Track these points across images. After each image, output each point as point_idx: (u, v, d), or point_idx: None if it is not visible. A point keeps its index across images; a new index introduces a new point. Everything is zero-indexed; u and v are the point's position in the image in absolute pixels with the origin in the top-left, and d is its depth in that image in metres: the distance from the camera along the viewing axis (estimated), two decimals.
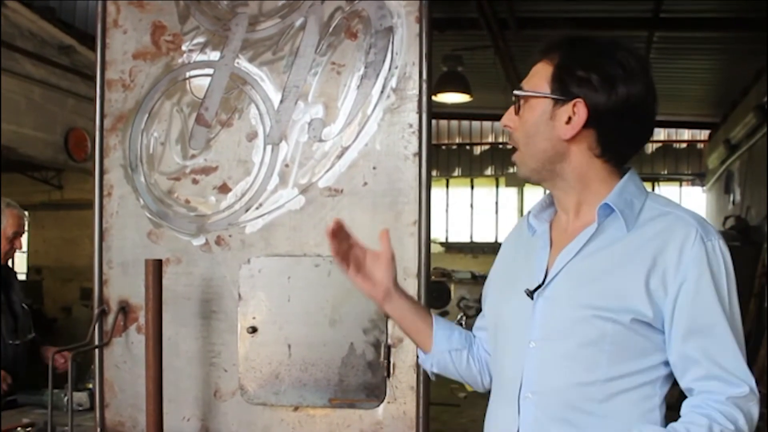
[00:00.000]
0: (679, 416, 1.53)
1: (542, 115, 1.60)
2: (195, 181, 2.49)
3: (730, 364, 1.50)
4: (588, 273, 1.57)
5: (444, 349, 1.83)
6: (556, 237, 1.67)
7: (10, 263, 3.98)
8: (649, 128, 1.65)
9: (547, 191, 1.73)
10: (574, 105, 1.56)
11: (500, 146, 13.55)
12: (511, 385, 1.62)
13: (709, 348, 1.50)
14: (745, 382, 1.49)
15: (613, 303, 1.52)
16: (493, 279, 1.84)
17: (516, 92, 1.65)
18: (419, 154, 2.34)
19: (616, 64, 1.56)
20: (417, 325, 1.84)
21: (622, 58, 1.57)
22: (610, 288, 1.53)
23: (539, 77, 1.62)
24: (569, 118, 1.57)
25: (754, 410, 1.50)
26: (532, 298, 1.60)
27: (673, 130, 13.12)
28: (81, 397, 3.25)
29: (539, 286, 1.60)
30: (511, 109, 1.66)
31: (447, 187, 14.15)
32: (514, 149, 1.68)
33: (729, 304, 1.52)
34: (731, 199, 9.51)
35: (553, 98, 1.59)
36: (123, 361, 2.54)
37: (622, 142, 1.62)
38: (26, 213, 3.92)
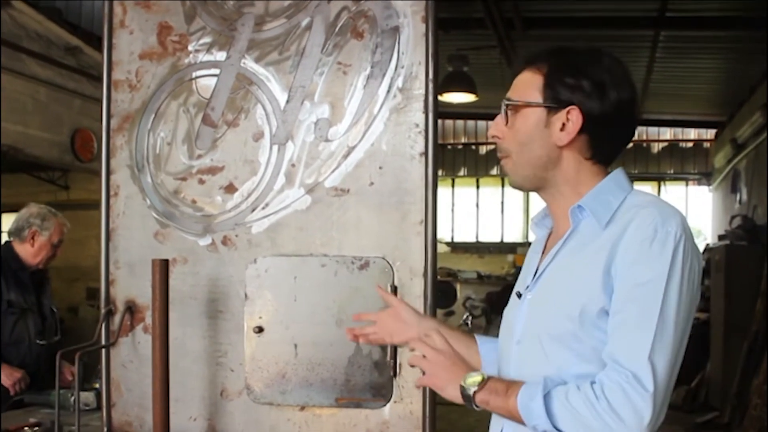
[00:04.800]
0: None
1: (537, 124, 1.62)
2: (201, 181, 2.50)
3: (624, 349, 1.46)
4: (561, 273, 1.61)
5: (493, 359, 1.82)
6: (551, 242, 1.72)
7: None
8: (634, 130, 1.71)
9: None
10: (568, 112, 1.59)
11: None
12: None
13: (620, 327, 1.47)
14: (627, 370, 1.43)
15: (579, 300, 1.53)
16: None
17: (507, 101, 1.66)
18: (425, 153, 2.34)
19: (604, 70, 1.61)
20: (462, 350, 1.78)
21: (609, 64, 1.62)
22: (577, 286, 1.55)
23: (528, 86, 1.64)
24: (563, 125, 1.60)
25: (632, 400, 1.41)
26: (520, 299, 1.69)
27: (679, 130, 13.09)
28: (88, 396, 3.25)
29: (527, 288, 1.68)
30: (500, 119, 1.67)
31: (453, 186, 14.13)
32: (503, 158, 1.70)
33: (665, 291, 1.46)
34: (738, 198, 9.49)
35: (547, 107, 1.61)
36: (130, 361, 2.54)
37: (612, 144, 1.66)
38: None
